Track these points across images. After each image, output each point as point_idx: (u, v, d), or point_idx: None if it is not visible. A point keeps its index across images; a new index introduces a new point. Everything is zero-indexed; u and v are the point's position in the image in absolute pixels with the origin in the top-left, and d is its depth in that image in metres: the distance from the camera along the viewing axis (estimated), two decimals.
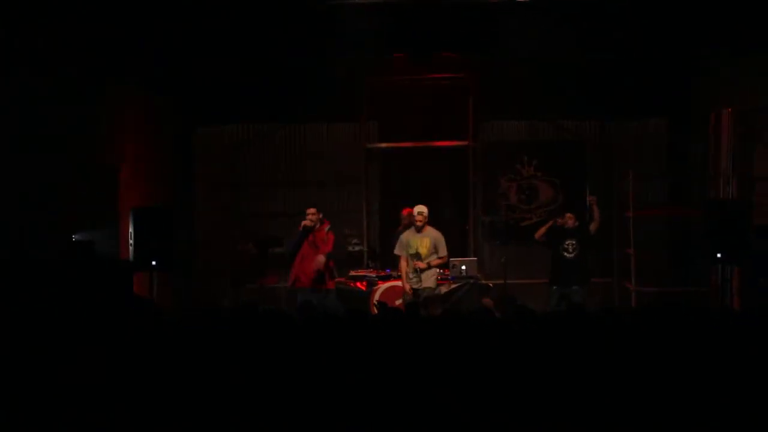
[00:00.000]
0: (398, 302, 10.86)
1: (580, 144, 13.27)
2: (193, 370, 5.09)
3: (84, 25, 9.55)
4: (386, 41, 10.84)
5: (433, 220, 11.45)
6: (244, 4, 9.82)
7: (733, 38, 10.00)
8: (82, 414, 4.53)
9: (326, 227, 10.79)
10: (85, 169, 10.11)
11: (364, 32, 10.03)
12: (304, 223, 10.67)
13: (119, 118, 11.12)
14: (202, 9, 9.79)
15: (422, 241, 10.50)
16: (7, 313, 6.56)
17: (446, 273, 11.70)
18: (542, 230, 11.33)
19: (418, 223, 10.47)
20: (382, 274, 11.88)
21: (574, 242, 11.17)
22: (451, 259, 11.67)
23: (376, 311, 10.00)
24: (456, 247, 12.98)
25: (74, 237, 9.58)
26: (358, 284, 11.70)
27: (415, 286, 10.51)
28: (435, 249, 10.53)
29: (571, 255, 11.18)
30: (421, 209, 10.53)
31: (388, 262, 12.42)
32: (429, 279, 10.57)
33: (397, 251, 10.68)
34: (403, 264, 10.62)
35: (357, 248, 13.02)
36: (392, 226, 12.55)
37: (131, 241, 10.05)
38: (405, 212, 12.09)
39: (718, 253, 10.08)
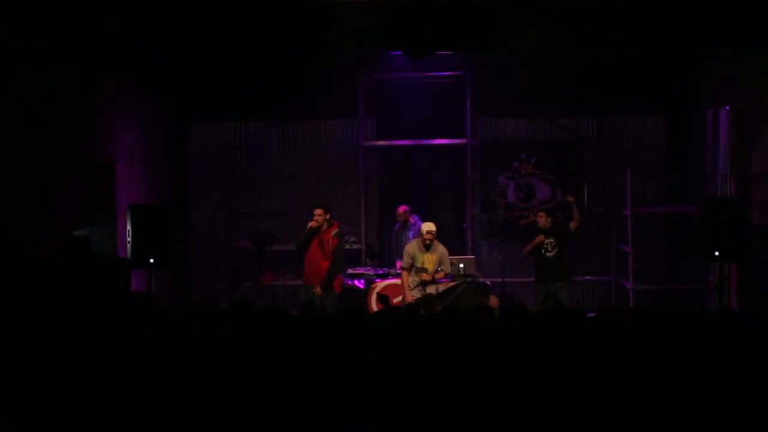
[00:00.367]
0: (396, 300, 10.85)
1: (578, 142, 13.26)
2: (190, 368, 5.08)
3: (80, 23, 9.53)
4: (384, 39, 10.83)
5: (431, 219, 11.46)
6: (242, 2, 9.80)
7: (731, 37, 10.00)
8: (80, 413, 4.52)
9: (333, 231, 10.56)
10: (81, 166, 10.08)
11: (361, 30, 10.01)
12: (310, 224, 10.42)
13: (115, 116, 11.09)
14: (199, 7, 9.77)
15: (429, 257, 10.40)
16: (5, 311, 6.54)
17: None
18: (528, 247, 11.41)
19: (427, 242, 10.36)
20: (380, 272, 11.87)
21: (552, 241, 11.26)
22: (448, 257, 11.67)
23: (378, 303, 9.97)
24: (454, 245, 12.98)
25: (75, 233, 9.56)
26: (356, 282, 11.68)
27: (417, 296, 10.44)
28: (440, 264, 10.49)
29: (551, 253, 11.27)
30: (430, 227, 10.36)
31: (386, 261, 12.42)
32: (430, 290, 10.54)
33: (403, 264, 10.54)
34: (405, 276, 10.49)
35: (355, 246, 13.01)
36: (390, 224, 12.56)
37: (129, 239, 10.04)
38: (401, 210, 12.08)
39: (716, 251, 10.09)
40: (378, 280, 11.53)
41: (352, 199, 13.36)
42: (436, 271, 10.46)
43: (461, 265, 11.55)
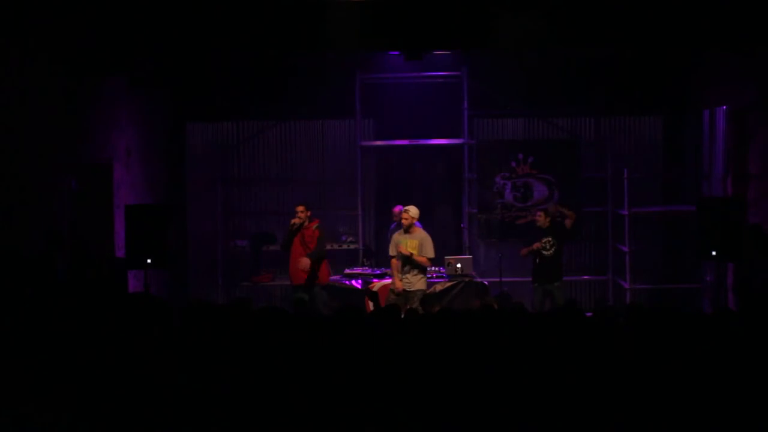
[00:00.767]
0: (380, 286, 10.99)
1: (575, 142, 13.27)
2: (188, 368, 5.07)
3: (76, 22, 9.51)
4: (381, 39, 10.81)
5: (428, 219, 11.48)
6: (239, 2, 9.79)
7: (728, 36, 9.99)
8: (79, 413, 4.51)
9: (314, 225, 10.79)
10: (78, 165, 10.08)
11: (358, 30, 9.99)
12: (293, 221, 10.70)
13: (112, 116, 11.08)
14: (196, 6, 9.76)
15: (411, 242, 10.52)
16: (1, 312, 6.52)
17: (441, 271, 11.71)
18: (525, 251, 11.45)
19: (404, 222, 10.52)
20: (378, 272, 11.87)
21: (550, 239, 11.32)
22: (446, 257, 11.69)
23: (370, 304, 9.99)
24: (451, 245, 13.00)
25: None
26: (353, 282, 11.68)
27: (406, 287, 10.51)
28: (421, 249, 10.56)
29: (549, 252, 11.34)
30: (407, 208, 10.61)
31: (382, 260, 12.41)
32: (419, 282, 10.58)
33: (390, 251, 10.79)
34: (394, 263, 10.73)
35: (352, 246, 13.01)
36: (387, 224, 12.55)
37: (125, 239, 10.04)
38: (396, 210, 12.09)
39: (713, 250, 10.09)
40: (375, 279, 11.53)
41: (349, 199, 13.35)
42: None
43: (458, 265, 11.55)
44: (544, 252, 11.36)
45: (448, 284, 11.47)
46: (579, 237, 12.73)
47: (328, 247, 11.71)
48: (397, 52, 11.47)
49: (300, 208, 10.76)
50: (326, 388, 4.72)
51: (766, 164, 10.64)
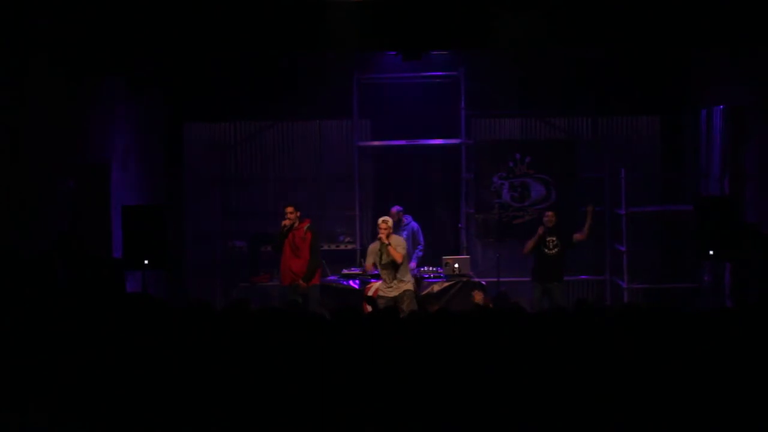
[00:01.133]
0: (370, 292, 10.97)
1: (573, 142, 13.28)
2: (186, 368, 5.06)
3: (73, 22, 9.50)
4: (378, 39, 10.81)
5: (426, 219, 11.51)
6: (236, 2, 9.79)
7: (725, 35, 10.00)
8: (78, 413, 4.51)
9: (305, 226, 10.73)
10: (76, 166, 10.07)
11: (356, 30, 10.00)
12: (284, 222, 10.67)
13: (109, 116, 11.07)
14: (193, 7, 9.76)
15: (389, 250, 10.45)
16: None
17: (439, 271, 11.71)
18: (530, 245, 11.43)
19: (385, 234, 10.40)
20: (375, 272, 11.85)
21: (555, 239, 11.32)
22: (444, 257, 11.69)
23: (368, 308, 10.00)
24: (449, 246, 13.00)
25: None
26: (351, 282, 11.67)
27: (392, 294, 10.45)
28: (397, 246, 10.56)
29: (552, 252, 11.36)
30: (382, 219, 10.53)
31: None
32: (407, 283, 10.54)
33: (367, 263, 10.73)
34: (369, 267, 10.72)
35: (350, 246, 13.00)
36: None
37: (123, 240, 10.03)
38: (393, 210, 12.10)
39: (711, 250, 10.10)
40: (373, 280, 11.52)
41: (346, 199, 13.34)
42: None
43: (456, 265, 11.55)
44: (547, 251, 11.37)
45: (446, 284, 11.47)
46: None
47: (325, 247, 11.72)
48: (394, 52, 11.47)
49: (289, 209, 10.70)
50: (325, 389, 4.71)
51: (763, 164, 10.65)
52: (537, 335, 5.63)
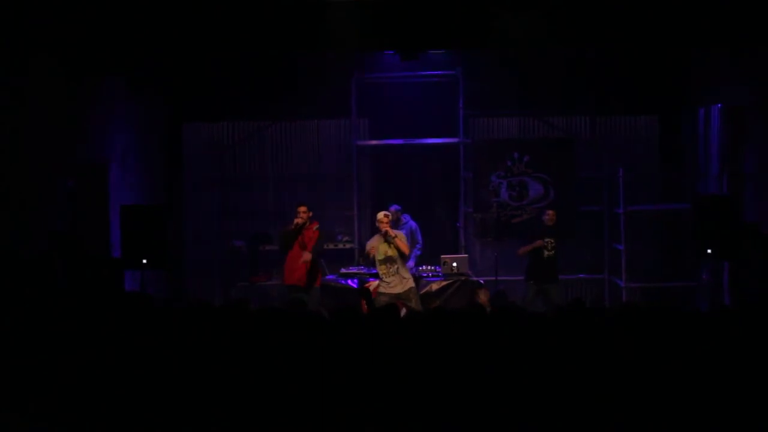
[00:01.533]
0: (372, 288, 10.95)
1: (571, 141, 13.28)
2: (185, 368, 5.07)
3: (72, 22, 9.50)
4: (376, 39, 10.81)
5: (424, 218, 11.50)
6: (235, 2, 9.79)
7: (724, 35, 10.01)
8: (76, 413, 4.51)
9: (315, 226, 10.76)
10: (75, 166, 10.07)
11: (354, 29, 10.00)
12: (296, 220, 10.62)
13: (108, 116, 11.06)
14: (191, 7, 9.76)
15: (390, 247, 10.41)
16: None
17: (437, 270, 11.71)
18: (527, 249, 11.45)
19: (386, 227, 10.39)
20: (374, 271, 11.85)
21: (552, 241, 11.36)
22: (442, 256, 11.69)
23: (364, 303, 10.01)
24: (447, 244, 13.00)
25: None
26: (349, 282, 11.67)
27: (396, 291, 10.42)
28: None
29: (550, 252, 11.37)
30: (381, 215, 10.51)
31: None
32: (409, 280, 10.54)
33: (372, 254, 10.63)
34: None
35: (348, 246, 13.00)
36: None
37: (122, 240, 10.02)
38: (392, 209, 12.10)
39: (709, 249, 10.11)
40: (371, 279, 11.52)
41: (345, 198, 13.35)
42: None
43: (454, 264, 11.55)
44: (546, 252, 11.39)
45: (444, 283, 11.46)
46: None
47: (324, 246, 11.69)
48: (392, 52, 11.47)
49: (303, 208, 10.66)
50: (325, 389, 4.72)
51: (761, 163, 10.66)
52: (537, 335, 5.64)
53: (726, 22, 9.75)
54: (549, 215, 11.54)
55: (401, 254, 10.40)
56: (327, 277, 11.76)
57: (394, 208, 12.08)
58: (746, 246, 9.99)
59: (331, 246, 12.97)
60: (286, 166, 13.72)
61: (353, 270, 11.99)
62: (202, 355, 5.29)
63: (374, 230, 13.25)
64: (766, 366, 5.00)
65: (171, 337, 5.80)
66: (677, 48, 11.38)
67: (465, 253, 12.48)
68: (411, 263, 11.67)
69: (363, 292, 10.34)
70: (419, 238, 12.27)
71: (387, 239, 10.35)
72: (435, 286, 11.39)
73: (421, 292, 11.10)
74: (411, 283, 10.54)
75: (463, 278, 11.53)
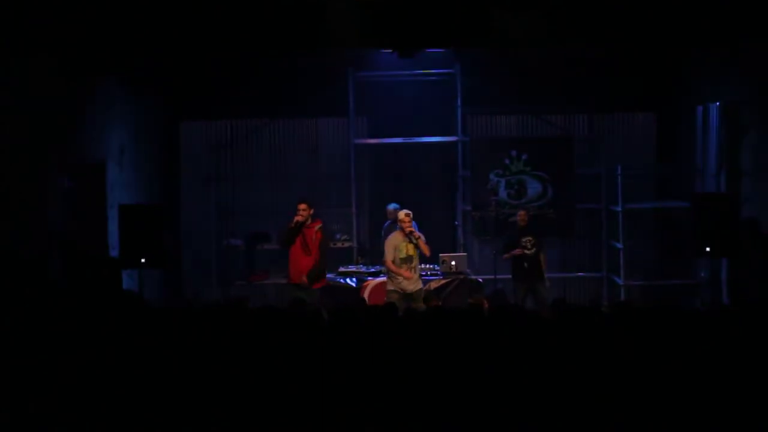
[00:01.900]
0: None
1: (569, 139, 13.27)
2: (183, 368, 5.06)
3: (70, 21, 9.49)
4: (374, 37, 10.80)
5: (422, 216, 11.48)
6: (234, 1, 9.79)
7: (721, 32, 10.01)
8: (73, 413, 4.50)
9: (317, 226, 10.55)
10: (72, 165, 10.05)
11: (352, 28, 9.99)
12: (296, 218, 10.45)
13: (105, 115, 11.05)
14: (190, 5, 9.75)
15: (411, 245, 10.34)
16: None
17: (436, 268, 11.71)
18: (508, 255, 11.50)
19: (408, 226, 10.32)
20: (372, 269, 11.86)
21: (530, 239, 11.35)
22: (440, 254, 11.68)
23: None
24: (445, 243, 12.99)
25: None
26: (348, 280, 11.67)
27: (409, 289, 10.34)
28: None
29: (531, 251, 11.35)
30: (407, 212, 10.44)
31: (377, 259, 12.39)
32: (420, 280, 10.53)
33: (387, 257, 10.41)
34: (393, 266, 10.37)
35: (346, 244, 13.00)
36: (381, 222, 12.54)
37: (119, 239, 10.01)
38: (390, 209, 12.09)
39: (707, 247, 10.11)
40: (369, 278, 11.52)
41: (343, 197, 13.33)
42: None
43: (453, 263, 11.55)
44: (526, 251, 11.40)
45: (443, 282, 11.47)
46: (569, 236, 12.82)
47: (329, 246, 11.66)
48: (390, 50, 11.46)
49: (303, 206, 10.37)
50: (325, 388, 4.71)
51: (759, 160, 10.66)
52: (535, 334, 5.63)
53: (724, 20, 9.75)
54: (520, 216, 11.58)
55: (421, 254, 10.35)
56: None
57: (392, 206, 12.07)
58: (744, 243, 9.99)
59: (330, 245, 12.94)
60: (284, 164, 13.70)
61: (352, 269, 11.98)
62: (201, 354, 5.28)
63: (372, 228, 13.32)
64: (764, 364, 5.00)
65: (169, 336, 5.79)
66: (675, 46, 11.37)
67: (463, 252, 12.47)
68: None
69: (357, 300, 10.30)
70: None
71: (411, 240, 10.27)
72: (434, 285, 11.39)
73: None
74: (420, 284, 10.52)
75: (461, 277, 11.54)
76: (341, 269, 11.94)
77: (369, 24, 9.99)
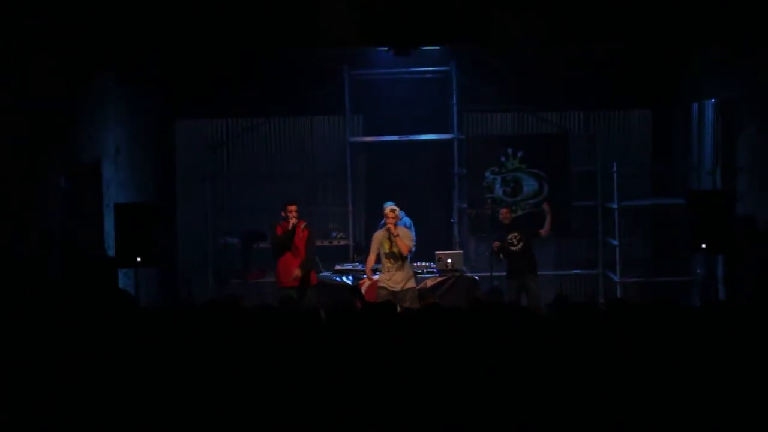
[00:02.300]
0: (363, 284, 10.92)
1: (564, 136, 13.28)
2: (178, 367, 5.05)
3: (64, 20, 9.47)
4: (369, 35, 10.79)
5: (418, 214, 11.48)
6: None
7: (717, 29, 10.01)
8: (71, 412, 4.49)
9: (302, 225, 10.65)
10: (67, 164, 10.03)
11: (347, 26, 9.98)
12: (291, 221, 10.51)
13: (101, 113, 11.02)
14: (186, 3, 9.73)
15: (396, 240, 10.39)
16: None
17: (432, 266, 11.71)
18: (498, 256, 11.54)
19: (392, 223, 10.37)
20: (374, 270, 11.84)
21: (516, 234, 11.38)
22: (436, 252, 11.69)
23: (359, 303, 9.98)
24: (441, 241, 13.00)
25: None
26: (343, 278, 11.66)
27: (395, 288, 10.38)
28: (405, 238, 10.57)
29: (517, 247, 11.39)
30: (393, 208, 10.50)
31: None
32: (409, 280, 10.53)
33: (372, 249, 10.59)
34: (372, 258, 10.63)
35: (342, 242, 12.99)
36: (377, 220, 12.53)
37: (115, 238, 10.00)
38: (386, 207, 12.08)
39: (703, 243, 10.12)
40: (364, 276, 11.50)
41: (339, 195, 13.33)
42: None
43: (449, 260, 11.55)
44: (512, 248, 11.41)
45: (439, 279, 11.47)
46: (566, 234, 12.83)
47: (318, 243, 11.68)
48: (385, 48, 11.46)
49: (292, 208, 10.50)
50: (322, 388, 4.70)
51: (754, 157, 10.67)
52: (536, 333, 5.63)
53: (719, 17, 9.75)
54: (503, 213, 11.64)
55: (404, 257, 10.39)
56: (321, 274, 11.74)
57: (388, 205, 12.05)
58: (740, 240, 10.01)
59: (326, 243, 12.96)
60: (279, 163, 13.70)
61: (348, 267, 11.98)
62: (195, 354, 5.27)
63: (368, 226, 13.31)
64: (761, 360, 5.00)
65: (161, 336, 5.78)
66: (670, 43, 11.38)
67: (459, 250, 12.48)
68: None
69: (355, 292, 10.30)
70: (413, 234, 12.24)
71: (389, 236, 10.34)
72: (430, 282, 11.39)
73: (416, 288, 11.08)
74: (412, 284, 10.52)
75: (457, 274, 11.54)
76: (337, 267, 11.93)
77: (364, 22, 9.98)
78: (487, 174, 12.96)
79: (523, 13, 9.74)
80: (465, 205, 13.09)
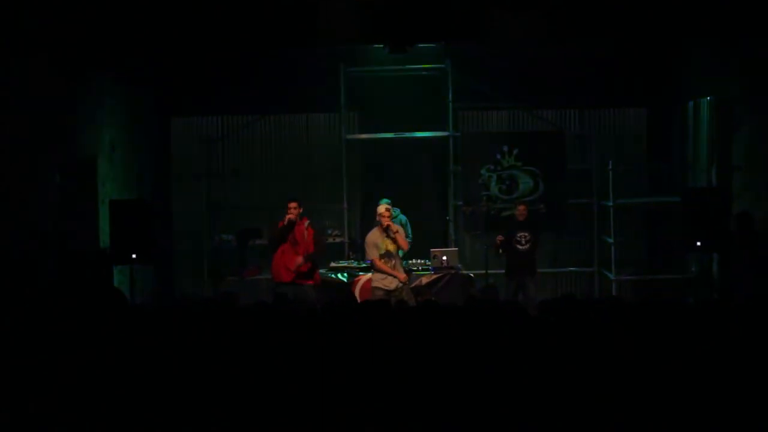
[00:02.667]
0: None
1: (560, 134, 13.28)
2: (175, 365, 5.04)
3: (61, 17, 9.45)
4: (365, 32, 10.79)
5: (413, 211, 11.46)
6: None
7: (712, 27, 10.02)
8: (70, 412, 4.48)
9: (305, 222, 10.63)
10: (63, 161, 10.01)
11: (343, 23, 9.98)
12: (288, 217, 10.49)
13: (96, 110, 11.01)
14: (182, 2, 9.72)
15: (390, 241, 10.37)
16: None
17: (427, 264, 11.70)
18: (495, 249, 11.50)
19: (387, 221, 10.35)
20: (364, 265, 11.84)
21: (526, 234, 11.33)
22: (432, 249, 11.68)
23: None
24: (437, 238, 13.00)
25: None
26: (339, 276, 11.65)
27: (390, 287, 10.35)
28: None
29: (524, 247, 11.35)
30: (387, 207, 10.49)
31: None
32: (402, 275, 10.52)
33: (371, 256, 10.49)
34: (381, 263, 10.43)
35: (338, 240, 12.98)
36: (372, 217, 12.52)
37: (110, 235, 9.99)
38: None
39: (698, 241, 10.14)
40: (361, 273, 11.50)
41: (334, 192, 13.31)
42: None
43: (444, 258, 11.54)
44: (520, 247, 11.38)
45: (434, 277, 11.46)
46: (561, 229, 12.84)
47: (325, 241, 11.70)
48: (381, 45, 11.45)
49: (293, 204, 10.46)
50: (321, 387, 4.70)
51: (750, 155, 10.68)
52: (536, 333, 5.63)
53: (715, 15, 9.76)
54: (520, 210, 11.58)
55: (392, 251, 10.36)
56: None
57: (384, 203, 12.05)
58: (736, 238, 10.02)
59: (323, 240, 12.93)
60: (275, 160, 13.69)
61: (344, 264, 11.97)
62: (190, 353, 5.26)
63: (364, 223, 13.29)
64: (757, 358, 5.01)
65: (159, 334, 5.77)
66: (666, 41, 11.38)
67: (455, 247, 12.48)
68: None
69: (344, 292, 10.29)
70: (409, 232, 12.25)
71: (388, 234, 10.31)
72: (425, 280, 11.39)
73: (411, 286, 11.08)
74: (404, 278, 10.51)
75: (453, 272, 11.53)
76: (333, 264, 11.93)
77: (364, 20, 9.98)
78: (483, 171, 12.95)
79: (523, 13, 9.73)
80: (460, 203, 13.09)
